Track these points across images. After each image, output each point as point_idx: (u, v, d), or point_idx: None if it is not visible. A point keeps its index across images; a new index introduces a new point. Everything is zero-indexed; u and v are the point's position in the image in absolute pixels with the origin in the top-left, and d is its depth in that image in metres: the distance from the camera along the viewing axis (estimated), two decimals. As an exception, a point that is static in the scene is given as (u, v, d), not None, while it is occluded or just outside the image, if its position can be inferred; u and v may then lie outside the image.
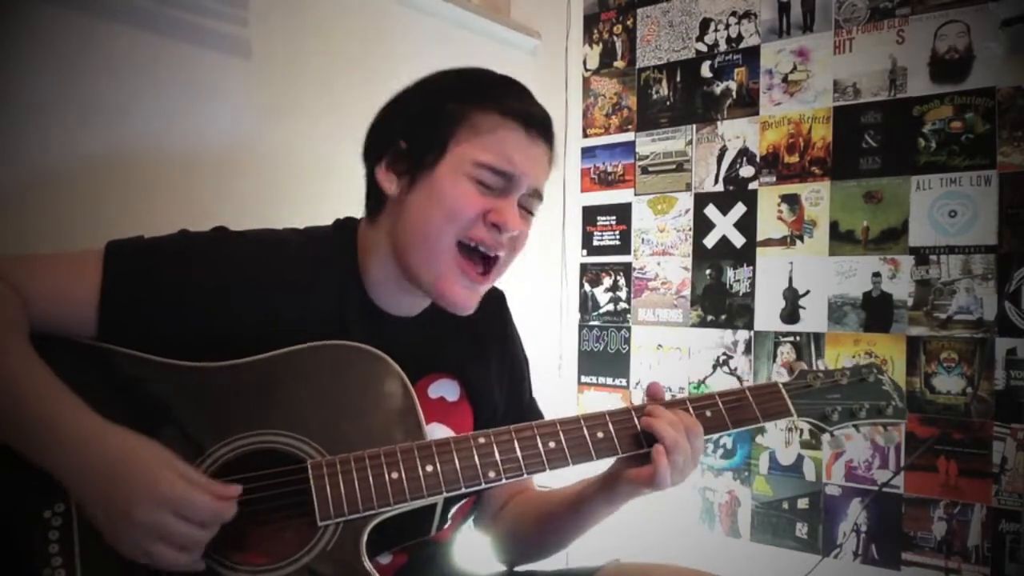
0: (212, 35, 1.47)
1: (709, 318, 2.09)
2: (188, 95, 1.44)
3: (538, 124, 1.03)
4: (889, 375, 1.16)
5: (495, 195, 1.00)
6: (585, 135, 2.33)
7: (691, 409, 1.02)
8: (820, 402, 1.09)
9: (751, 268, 2.02)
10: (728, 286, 2.06)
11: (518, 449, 0.94)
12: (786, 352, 1.96)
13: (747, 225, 2.03)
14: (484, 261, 1.02)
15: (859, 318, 1.86)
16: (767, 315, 1.99)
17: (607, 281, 2.28)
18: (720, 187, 2.08)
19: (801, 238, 1.95)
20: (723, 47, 2.08)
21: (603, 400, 2.27)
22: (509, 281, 1.13)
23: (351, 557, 0.87)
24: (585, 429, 0.97)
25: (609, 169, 2.28)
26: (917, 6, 1.79)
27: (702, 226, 2.11)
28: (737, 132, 2.05)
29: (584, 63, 2.35)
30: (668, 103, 2.18)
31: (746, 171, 2.04)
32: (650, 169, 2.21)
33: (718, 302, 2.07)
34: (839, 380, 1.12)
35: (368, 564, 0.87)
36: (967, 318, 1.73)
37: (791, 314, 1.96)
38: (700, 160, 2.11)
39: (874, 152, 1.85)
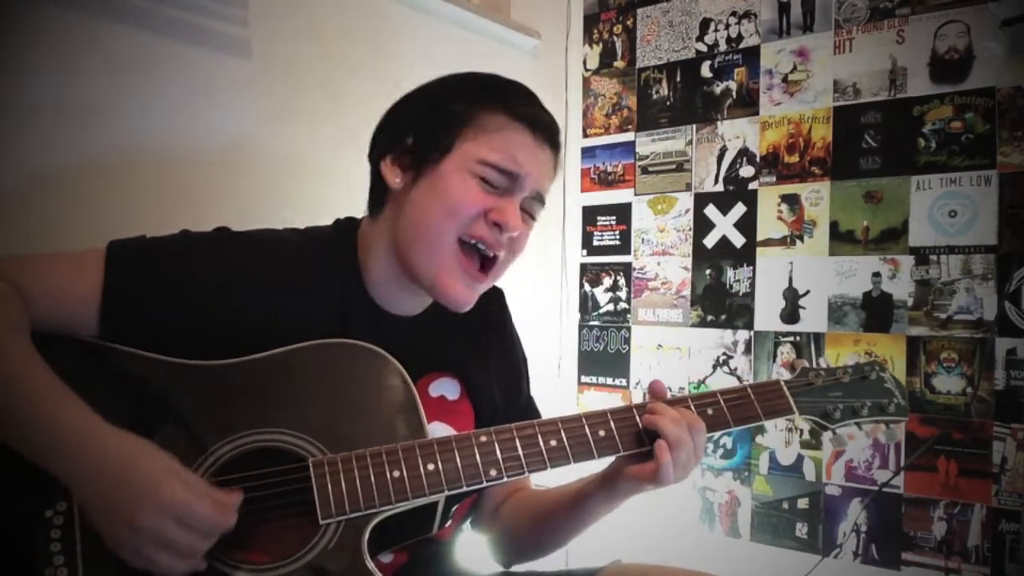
0: (212, 35, 1.47)
1: (709, 318, 2.09)
2: (188, 95, 1.44)
3: (545, 129, 1.04)
4: (891, 372, 1.16)
5: (498, 194, 1.01)
6: (585, 135, 2.33)
7: (693, 407, 1.02)
8: (822, 400, 1.09)
9: (751, 268, 2.02)
10: (728, 286, 2.06)
11: (520, 447, 0.94)
12: (786, 352, 1.96)
13: (747, 225, 2.03)
14: (483, 260, 1.03)
15: (859, 318, 1.86)
16: (767, 315, 1.99)
17: (607, 281, 2.28)
18: (720, 187, 2.08)
19: (801, 238, 1.95)
20: (723, 47, 2.08)
21: (603, 400, 2.27)
22: (509, 281, 1.14)
23: (352, 555, 0.87)
24: (587, 427, 0.97)
25: (609, 169, 2.28)
26: (917, 6, 1.80)
27: (702, 226, 2.11)
28: (737, 132, 2.05)
29: (584, 63, 2.35)
30: (668, 103, 2.18)
31: (746, 171, 2.04)
32: (650, 169, 2.21)
33: (718, 302, 2.07)
34: (841, 378, 1.12)
35: (369, 563, 0.87)
36: (967, 318, 1.73)
37: (791, 314, 1.96)
38: (700, 160, 2.12)
39: (874, 152, 1.85)
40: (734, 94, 2.06)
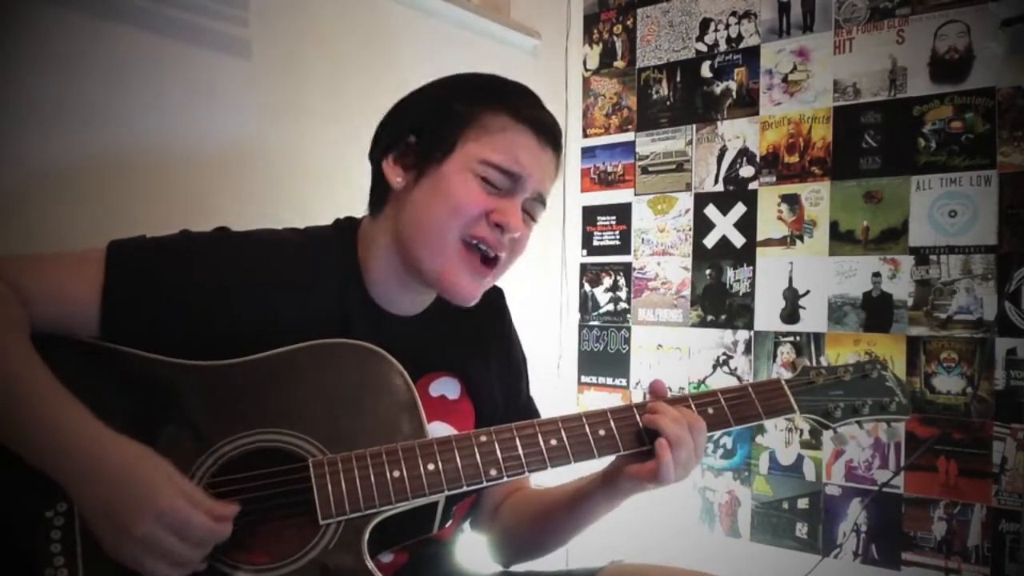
0: (212, 35, 1.47)
1: (709, 318, 2.09)
2: (188, 95, 1.44)
3: (548, 131, 1.04)
4: (892, 371, 1.16)
5: (500, 195, 1.01)
6: (585, 135, 2.33)
7: (693, 406, 1.02)
8: (823, 399, 1.09)
9: (751, 268, 2.02)
10: (728, 286, 2.06)
11: (520, 447, 0.94)
12: (786, 352, 1.96)
13: (747, 225, 2.03)
14: (484, 259, 1.03)
15: (859, 318, 1.86)
16: (767, 315, 1.99)
17: (607, 281, 2.28)
18: (720, 187, 2.08)
19: (801, 238, 1.95)
20: (723, 47, 2.08)
21: (603, 400, 2.27)
22: (509, 281, 1.14)
23: (352, 556, 0.86)
24: (587, 426, 0.97)
25: (609, 169, 2.28)
26: (917, 6, 1.80)
27: (702, 226, 2.11)
28: (737, 132, 2.05)
29: (584, 63, 2.35)
30: (668, 103, 2.18)
31: (746, 171, 2.04)
32: (650, 169, 2.21)
33: (718, 302, 2.07)
34: (842, 376, 1.12)
35: (370, 563, 0.87)
36: (967, 318, 1.73)
37: (791, 314, 1.96)
38: (700, 160, 2.12)
39: (874, 152, 1.85)
40: (734, 94, 2.06)
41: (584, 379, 2.33)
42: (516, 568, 1.19)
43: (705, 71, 2.11)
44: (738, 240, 2.04)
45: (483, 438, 0.94)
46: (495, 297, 1.21)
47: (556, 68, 2.35)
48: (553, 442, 0.95)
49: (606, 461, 1.02)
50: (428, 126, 1.03)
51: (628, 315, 2.23)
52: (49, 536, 0.82)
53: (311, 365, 0.95)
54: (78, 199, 1.30)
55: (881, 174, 1.84)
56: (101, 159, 1.33)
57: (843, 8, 1.90)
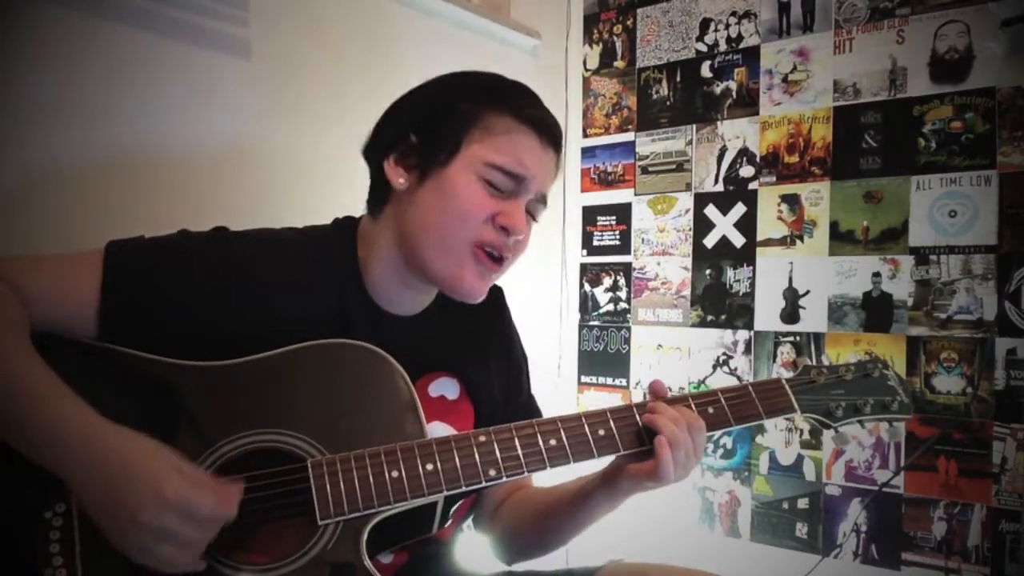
0: (212, 35, 1.47)
1: (709, 318, 2.09)
2: (188, 95, 1.44)
3: (550, 132, 1.04)
4: (894, 370, 1.16)
5: (504, 197, 1.01)
6: (585, 135, 2.33)
7: (694, 406, 1.02)
8: (824, 398, 1.08)
9: (751, 268, 2.02)
10: (728, 286, 2.06)
11: (519, 447, 0.94)
12: (786, 352, 1.96)
13: (747, 225, 2.03)
14: (491, 258, 1.03)
15: (859, 318, 1.86)
16: (767, 315, 1.99)
17: (607, 281, 2.28)
18: (720, 187, 2.08)
19: (801, 238, 1.95)
20: (723, 47, 2.08)
21: (603, 400, 2.27)
22: (509, 281, 1.14)
23: (351, 556, 0.86)
24: (587, 426, 0.97)
25: (609, 169, 2.28)
26: (917, 6, 1.80)
27: (702, 226, 2.11)
28: (737, 132, 2.05)
29: (584, 63, 2.35)
30: (668, 103, 2.18)
31: (746, 171, 2.04)
32: (650, 169, 2.21)
33: (718, 302, 2.07)
34: (843, 376, 1.11)
35: (368, 563, 0.86)
36: (967, 318, 1.73)
37: (791, 314, 1.96)
38: (700, 160, 2.12)
39: (874, 152, 1.85)
40: (734, 94, 2.06)
41: (584, 379, 2.33)
42: (517, 567, 1.19)
43: (705, 71, 2.11)
44: (738, 240, 2.04)
45: (482, 438, 0.94)
46: (495, 296, 1.21)
47: (556, 68, 2.35)
48: (552, 442, 0.95)
49: (606, 461, 1.02)
50: (430, 126, 1.03)
51: (628, 315, 2.23)
52: (48, 536, 0.83)
53: (311, 365, 0.95)
54: (78, 199, 1.30)
55: (881, 174, 1.84)
56: (101, 159, 1.33)
57: (843, 8, 1.90)
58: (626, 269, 2.24)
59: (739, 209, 2.04)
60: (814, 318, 1.92)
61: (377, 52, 1.78)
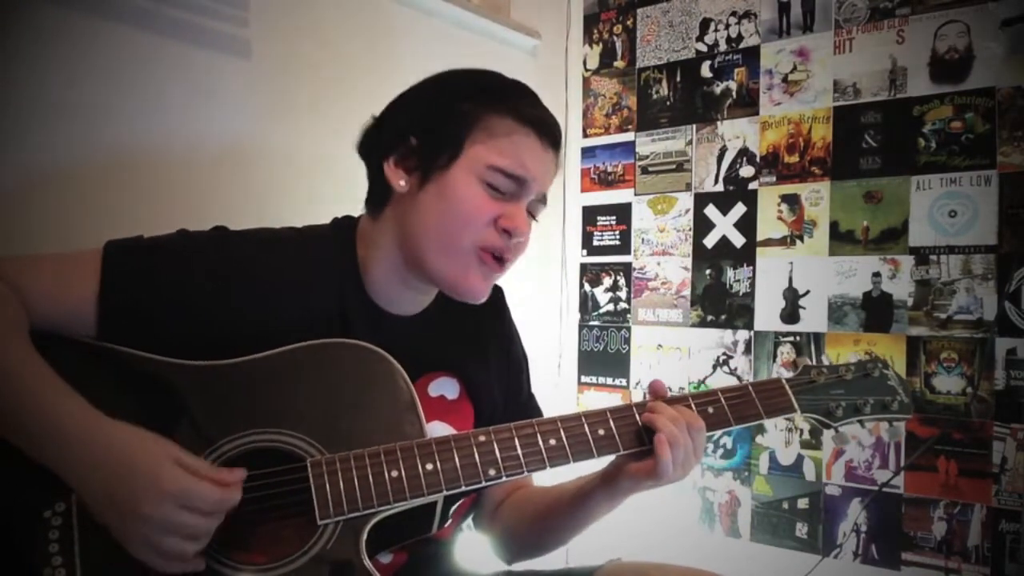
0: (212, 35, 1.47)
1: (709, 318, 2.09)
2: (188, 95, 1.44)
3: (550, 132, 1.04)
4: (895, 370, 1.16)
5: (505, 199, 1.00)
6: (585, 135, 2.33)
7: (693, 406, 1.02)
8: (824, 398, 1.08)
9: (751, 268, 2.02)
10: (728, 286, 2.06)
11: (519, 447, 0.94)
12: (786, 352, 1.96)
13: (747, 225, 2.03)
14: (494, 259, 1.03)
15: (859, 318, 1.86)
16: (767, 315, 1.99)
17: (607, 281, 2.28)
18: (720, 187, 2.08)
19: (801, 238, 1.95)
20: (723, 47, 2.08)
21: (603, 400, 2.27)
22: (509, 281, 1.14)
23: (351, 556, 0.86)
24: (586, 426, 0.97)
25: (609, 169, 2.28)
26: (917, 6, 1.80)
27: (702, 226, 2.11)
28: (737, 132, 2.05)
29: (584, 63, 2.35)
30: (668, 103, 2.18)
31: (746, 171, 2.04)
32: (650, 169, 2.21)
33: (718, 302, 2.07)
34: (843, 375, 1.11)
35: (368, 563, 0.86)
36: (967, 318, 1.73)
37: (791, 314, 1.96)
38: (700, 160, 2.12)
39: (874, 152, 1.85)
40: (734, 94, 2.06)
41: (584, 379, 2.33)
42: (517, 567, 1.19)
43: (705, 71, 2.11)
44: (738, 240, 2.04)
45: (482, 438, 0.94)
46: (495, 296, 1.20)
47: (556, 68, 2.35)
48: (552, 442, 0.95)
49: (606, 461, 1.02)
50: (430, 127, 1.02)
51: (628, 315, 2.23)
52: (47, 536, 0.83)
53: (310, 365, 0.95)
54: (78, 199, 1.30)
55: (881, 174, 1.84)
56: (101, 159, 1.33)
57: (843, 8, 1.90)
58: (626, 269, 2.24)
59: (739, 209, 2.04)
60: (814, 318, 1.92)
61: (377, 52, 1.78)
